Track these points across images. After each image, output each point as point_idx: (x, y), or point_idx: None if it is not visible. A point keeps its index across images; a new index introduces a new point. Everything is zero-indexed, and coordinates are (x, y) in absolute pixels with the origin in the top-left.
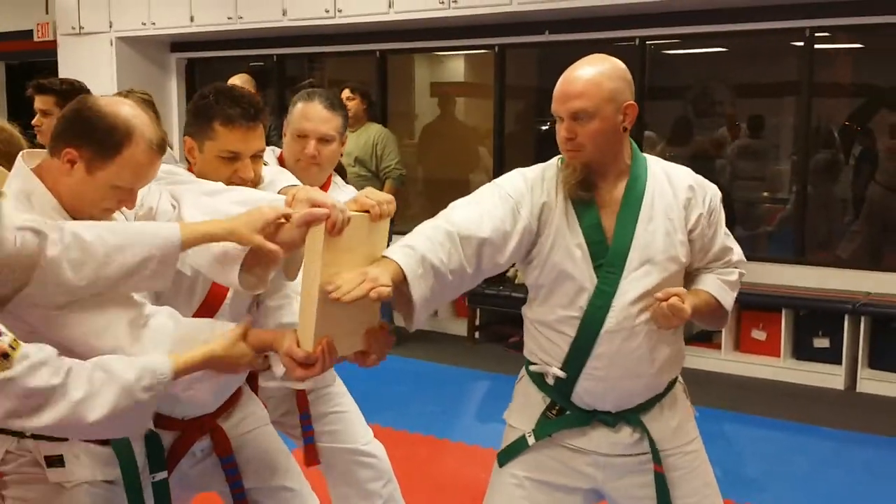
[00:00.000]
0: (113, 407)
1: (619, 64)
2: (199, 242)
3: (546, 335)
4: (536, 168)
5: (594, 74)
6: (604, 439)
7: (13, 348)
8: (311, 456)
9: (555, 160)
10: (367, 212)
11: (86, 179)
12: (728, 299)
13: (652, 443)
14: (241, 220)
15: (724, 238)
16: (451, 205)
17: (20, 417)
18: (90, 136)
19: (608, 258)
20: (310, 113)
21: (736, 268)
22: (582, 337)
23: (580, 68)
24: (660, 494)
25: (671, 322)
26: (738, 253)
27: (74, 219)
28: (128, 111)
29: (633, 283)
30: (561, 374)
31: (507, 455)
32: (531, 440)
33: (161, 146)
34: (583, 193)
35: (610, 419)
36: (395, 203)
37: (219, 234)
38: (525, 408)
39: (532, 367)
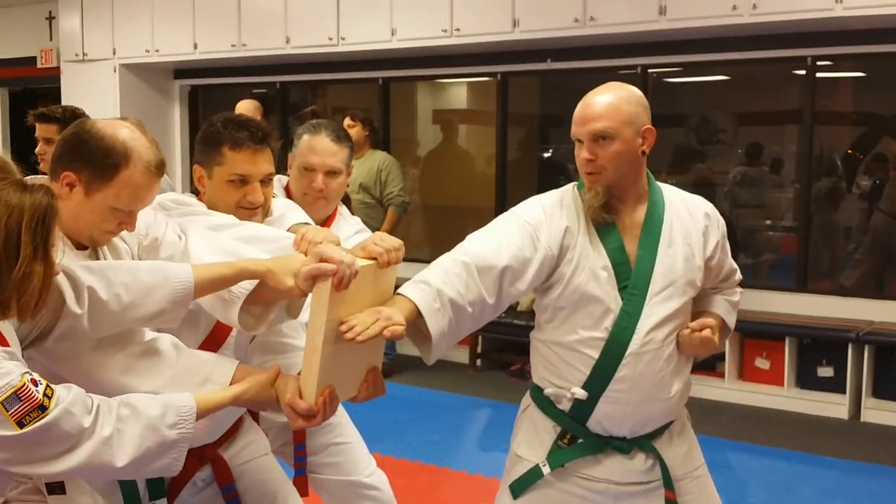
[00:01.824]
0: (139, 445)
1: (635, 90)
2: (210, 289)
3: (563, 357)
4: (553, 194)
5: (613, 99)
6: (618, 467)
7: (48, 397)
8: (300, 486)
9: (570, 186)
10: (375, 259)
11: (84, 202)
12: (732, 320)
13: (665, 469)
14: (278, 263)
15: (730, 260)
16: (468, 237)
17: (48, 461)
18: (88, 158)
19: (632, 281)
20: (317, 146)
21: (738, 287)
22: (606, 358)
23: (599, 94)
24: None
25: (699, 352)
26: (739, 272)
27: (78, 243)
28: (126, 133)
29: (657, 306)
30: (582, 394)
31: (522, 486)
32: (546, 470)
33: (160, 168)
34: (606, 216)
35: (625, 446)
36: (403, 250)
37: (230, 277)
38: (534, 437)
39: (548, 391)
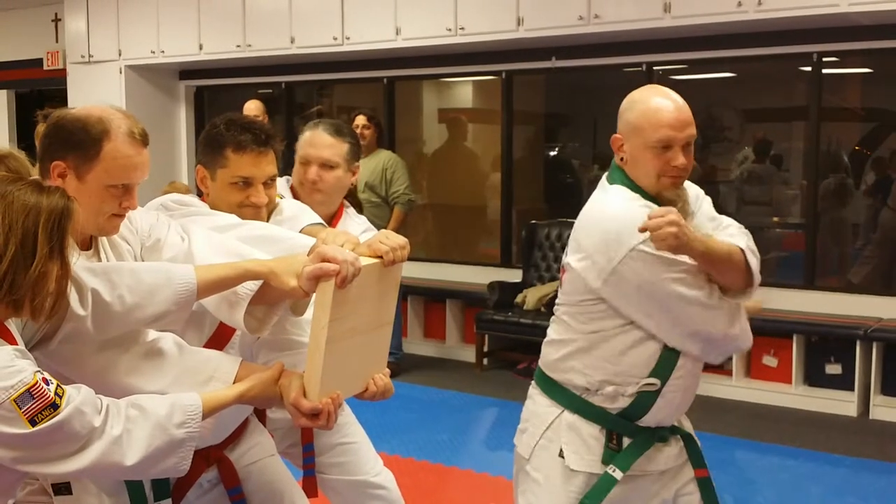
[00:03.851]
0: (148, 445)
1: None
2: (213, 290)
3: (624, 351)
4: (633, 202)
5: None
6: (660, 456)
7: (60, 396)
8: (309, 487)
9: (630, 194)
10: (380, 257)
11: (80, 188)
12: (742, 240)
13: (697, 448)
14: (281, 263)
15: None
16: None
17: (59, 461)
18: (69, 142)
19: None
20: (314, 139)
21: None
22: (668, 349)
23: (672, 96)
24: (707, 498)
25: (668, 237)
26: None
27: (82, 242)
28: (99, 111)
29: None
30: (654, 381)
31: (596, 498)
32: (618, 475)
33: (143, 136)
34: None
35: (666, 434)
36: (408, 248)
37: (232, 278)
38: (582, 447)
39: (606, 390)
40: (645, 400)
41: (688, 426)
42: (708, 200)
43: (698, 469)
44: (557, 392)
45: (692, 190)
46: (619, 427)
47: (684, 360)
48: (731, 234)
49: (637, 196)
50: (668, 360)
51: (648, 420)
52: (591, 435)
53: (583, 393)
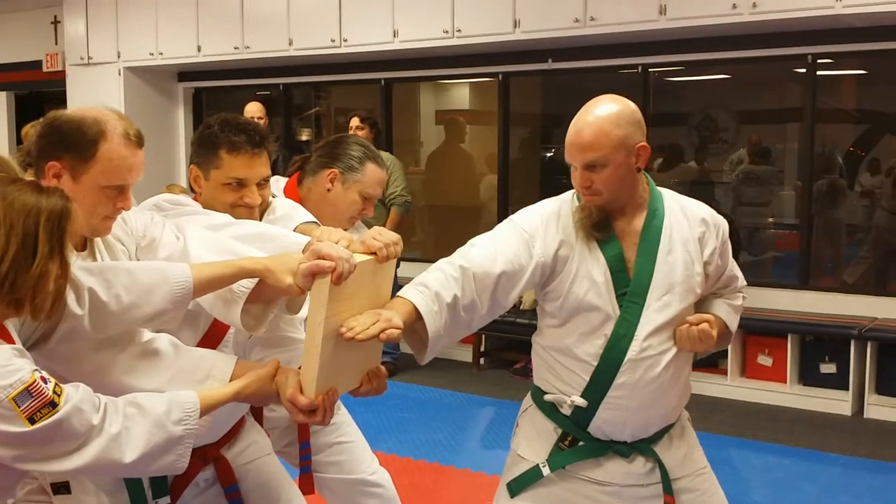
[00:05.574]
0: (146, 442)
1: (627, 107)
2: (209, 288)
3: (563, 363)
4: (552, 203)
5: (602, 124)
6: (617, 469)
7: (58, 394)
8: (306, 485)
9: (569, 195)
10: (374, 254)
11: (75, 189)
12: (734, 323)
13: (664, 472)
14: (276, 261)
15: (731, 266)
16: (470, 241)
17: (58, 459)
18: (65, 143)
19: (631, 288)
20: (382, 179)
21: (740, 292)
22: (605, 365)
23: (589, 115)
24: None
25: (697, 346)
26: (741, 279)
27: (76, 243)
28: (94, 112)
29: (655, 313)
30: (582, 402)
31: (520, 485)
32: (546, 471)
33: (138, 137)
34: (597, 234)
35: (625, 449)
36: (402, 244)
37: (228, 276)
38: (534, 438)
39: (547, 397)
40: (584, 412)
41: (677, 445)
42: (713, 240)
43: (666, 495)
44: (535, 385)
45: (696, 215)
46: (571, 430)
47: (625, 378)
48: (732, 308)
49: (563, 205)
50: (601, 380)
51: (594, 431)
52: (546, 429)
53: (542, 390)
